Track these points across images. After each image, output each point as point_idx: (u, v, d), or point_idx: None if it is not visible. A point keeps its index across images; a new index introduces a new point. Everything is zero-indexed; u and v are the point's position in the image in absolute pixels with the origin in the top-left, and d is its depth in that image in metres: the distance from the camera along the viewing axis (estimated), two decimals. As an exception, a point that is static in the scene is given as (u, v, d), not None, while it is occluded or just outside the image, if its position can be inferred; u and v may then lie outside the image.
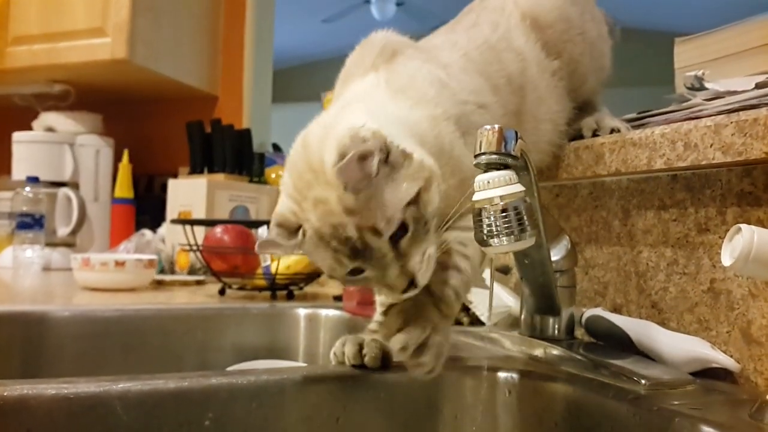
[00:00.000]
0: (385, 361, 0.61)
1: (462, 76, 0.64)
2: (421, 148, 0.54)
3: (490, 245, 0.52)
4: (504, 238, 0.51)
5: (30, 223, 1.59)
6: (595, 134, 0.74)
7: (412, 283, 0.51)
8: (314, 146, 0.54)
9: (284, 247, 0.54)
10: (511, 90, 0.68)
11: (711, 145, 0.58)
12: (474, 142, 0.54)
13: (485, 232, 0.52)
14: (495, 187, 0.51)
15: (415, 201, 0.51)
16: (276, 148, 2.16)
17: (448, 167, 0.57)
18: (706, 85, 0.67)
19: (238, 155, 1.73)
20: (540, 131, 0.73)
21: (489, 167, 0.53)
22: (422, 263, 0.51)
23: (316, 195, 0.51)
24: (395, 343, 0.53)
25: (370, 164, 0.49)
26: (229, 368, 0.89)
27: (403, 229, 0.50)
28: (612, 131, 0.73)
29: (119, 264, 1.18)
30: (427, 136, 0.57)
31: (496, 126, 0.53)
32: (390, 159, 0.50)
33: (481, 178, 0.52)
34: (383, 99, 0.59)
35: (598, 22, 0.80)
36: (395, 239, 0.51)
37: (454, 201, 0.56)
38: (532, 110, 0.71)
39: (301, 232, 0.53)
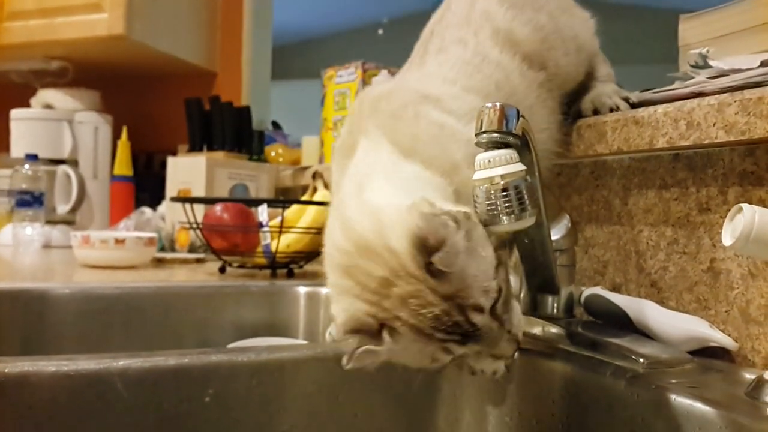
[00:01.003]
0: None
1: (453, 104, 0.61)
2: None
3: (491, 224, 0.52)
4: (504, 218, 0.51)
5: (29, 200, 1.59)
6: (595, 113, 0.73)
7: (518, 345, 0.51)
8: (373, 237, 0.48)
9: (372, 362, 0.48)
10: (502, 96, 0.64)
11: (714, 124, 0.58)
12: None
13: (486, 211, 0.52)
14: (496, 166, 0.51)
15: (498, 263, 0.49)
16: (276, 125, 2.15)
17: None
18: (711, 62, 0.66)
19: (237, 133, 1.72)
20: (536, 141, 0.71)
21: (490, 146, 0.52)
22: (517, 323, 0.50)
23: (402, 292, 0.46)
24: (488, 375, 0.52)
25: (456, 243, 0.46)
26: (230, 345, 0.90)
27: (497, 296, 0.48)
28: (611, 110, 0.72)
29: (119, 242, 1.18)
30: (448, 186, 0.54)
31: (498, 104, 0.52)
32: (459, 225, 0.47)
33: (482, 156, 0.52)
34: (397, 161, 0.55)
35: (564, 9, 0.76)
36: (494, 309, 0.48)
37: None
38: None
39: (386, 333, 0.47)
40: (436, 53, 0.68)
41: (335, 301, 0.51)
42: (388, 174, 0.54)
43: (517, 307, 0.51)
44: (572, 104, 0.76)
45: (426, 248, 0.45)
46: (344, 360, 0.47)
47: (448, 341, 0.47)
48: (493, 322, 0.48)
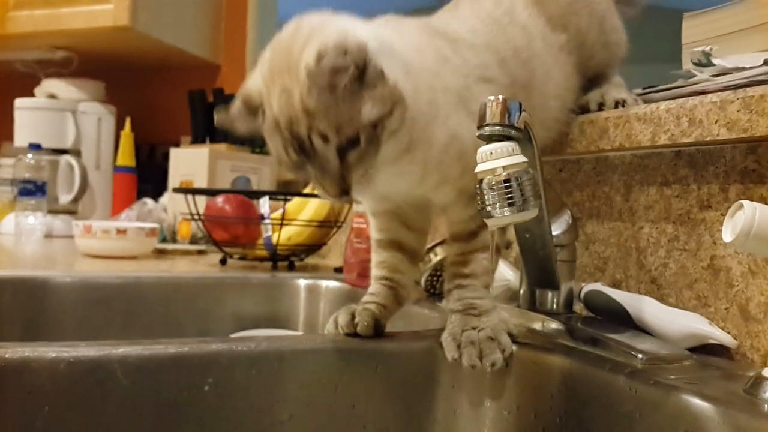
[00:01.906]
0: (377, 330, 0.62)
1: (467, 53, 0.63)
2: (407, 81, 0.54)
3: (492, 216, 0.52)
4: (506, 209, 0.51)
5: (32, 190, 1.60)
6: (600, 107, 0.73)
7: (346, 192, 0.54)
8: (303, 35, 0.54)
9: (243, 126, 0.56)
10: (519, 63, 0.67)
11: (716, 122, 0.58)
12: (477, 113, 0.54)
13: (487, 202, 0.52)
14: (498, 158, 0.51)
15: (374, 123, 0.52)
16: (278, 119, 2.15)
17: (443, 134, 0.58)
18: (714, 61, 0.66)
19: (240, 126, 1.72)
20: (548, 108, 0.72)
21: (492, 138, 0.53)
22: (361, 179, 0.54)
23: (284, 84, 0.52)
24: (465, 364, 0.58)
25: (341, 78, 0.50)
26: (230, 336, 0.90)
27: (354, 143, 0.52)
28: (617, 104, 0.72)
29: (121, 232, 1.18)
30: (422, 94, 0.56)
31: (500, 97, 0.52)
32: (365, 77, 0.51)
33: (484, 149, 0.52)
34: (388, 32, 0.58)
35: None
36: (344, 150, 0.52)
37: (449, 170, 0.59)
38: (540, 86, 0.70)
39: (260, 113, 0.54)
40: (472, 2, 0.71)
41: (254, 72, 0.57)
42: (371, 26, 0.57)
43: (370, 176, 0.54)
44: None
45: (322, 62, 0.49)
46: (218, 116, 0.56)
47: (289, 144, 0.52)
48: (336, 159, 0.52)
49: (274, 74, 0.54)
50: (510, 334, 0.61)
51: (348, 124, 0.51)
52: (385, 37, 0.56)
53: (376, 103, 0.51)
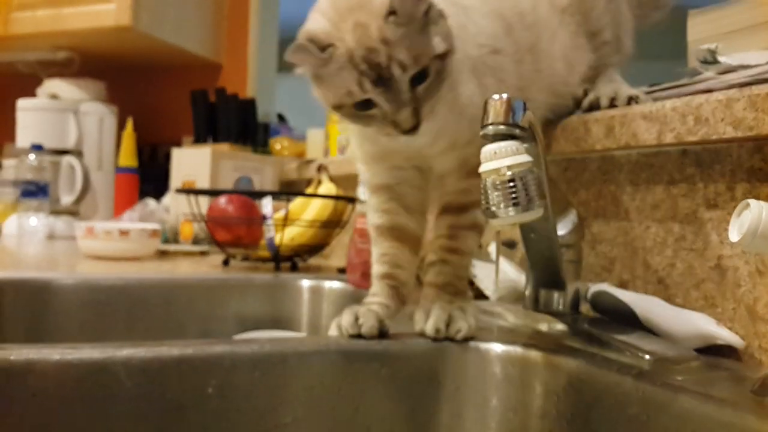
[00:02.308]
0: (381, 331, 0.62)
1: (481, 21, 0.65)
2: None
3: (497, 216, 0.52)
4: (511, 209, 0.51)
5: (34, 191, 1.60)
6: (612, 103, 0.72)
7: (416, 126, 0.56)
8: None
9: (313, 62, 0.56)
10: (524, 26, 0.69)
11: (722, 120, 0.58)
12: (488, 84, 0.58)
13: (492, 202, 0.51)
14: (502, 158, 0.51)
15: (442, 57, 0.55)
16: (281, 118, 2.15)
17: (464, 96, 0.61)
18: (719, 58, 0.66)
19: (242, 125, 1.72)
20: (555, 71, 0.73)
21: (496, 138, 0.52)
22: (428, 114, 0.57)
23: (358, 19, 0.54)
24: (429, 330, 0.61)
25: (420, 6, 0.53)
26: (233, 338, 0.90)
27: (423, 76, 0.55)
28: (630, 100, 0.71)
29: (123, 233, 1.18)
30: (457, 51, 0.59)
31: (504, 96, 0.52)
32: (430, 13, 0.54)
33: (488, 148, 0.52)
34: None
35: None
36: (414, 83, 0.55)
37: (460, 135, 0.61)
38: (546, 48, 0.71)
39: (329, 51, 0.55)
40: None
41: (311, 15, 0.59)
42: None
43: (435, 111, 0.57)
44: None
45: (400, 6, 0.53)
46: (288, 52, 0.56)
47: (366, 76, 0.54)
48: (408, 89, 0.55)
49: (343, 12, 0.55)
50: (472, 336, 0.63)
51: (423, 54, 0.54)
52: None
53: (442, 37, 0.55)
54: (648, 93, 0.74)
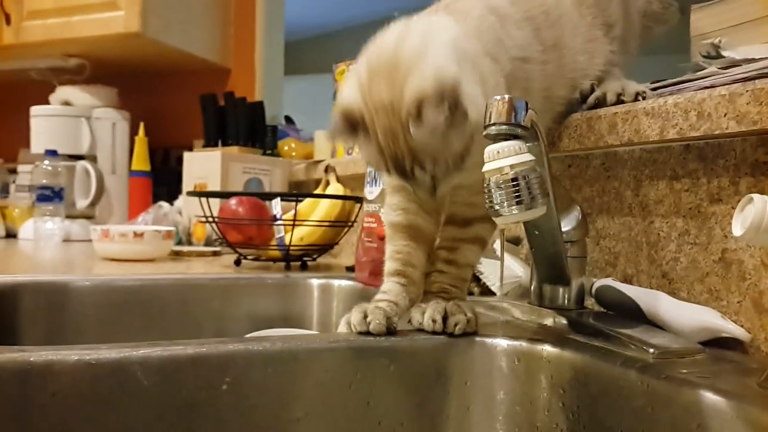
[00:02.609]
0: (389, 328, 0.63)
1: (515, 31, 0.66)
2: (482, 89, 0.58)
3: (501, 215, 0.53)
4: (514, 208, 0.52)
5: (50, 195, 1.62)
6: (619, 99, 0.72)
7: (433, 196, 0.61)
8: (403, 64, 0.56)
9: (344, 140, 0.61)
10: (550, 24, 0.70)
11: (725, 115, 0.58)
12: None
13: (495, 201, 0.52)
14: (504, 157, 0.52)
15: (461, 153, 0.57)
16: (288, 120, 2.16)
17: None
18: (723, 52, 0.66)
19: (251, 128, 1.74)
20: (577, 64, 0.74)
21: (498, 137, 0.53)
22: (447, 185, 0.60)
23: (389, 123, 0.56)
24: (426, 322, 0.63)
25: (439, 123, 0.54)
26: (246, 336, 0.91)
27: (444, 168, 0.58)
28: (637, 95, 0.71)
29: (138, 235, 1.20)
30: (488, 83, 0.60)
31: (506, 96, 0.53)
32: (455, 116, 0.54)
33: (491, 148, 0.53)
34: (459, 35, 0.61)
35: None
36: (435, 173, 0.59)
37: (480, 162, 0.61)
38: (569, 42, 0.73)
39: (361, 129, 0.58)
40: None
41: (347, 79, 0.61)
42: (453, 40, 0.59)
43: (455, 179, 0.60)
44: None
45: (423, 113, 0.53)
46: (328, 134, 0.61)
47: (391, 168, 0.59)
48: (427, 182, 0.59)
49: (376, 102, 0.57)
50: (474, 332, 0.64)
51: (441, 156, 0.57)
52: (463, 47, 0.59)
53: (461, 138, 0.56)
54: (653, 89, 0.75)
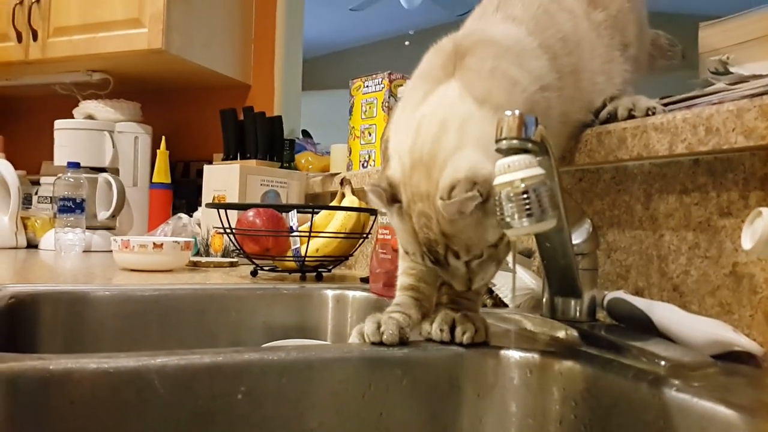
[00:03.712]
0: (402, 338, 0.63)
1: (531, 63, 0.67)
2: None
3: (512, 227, 0.53)
4: (525, 220, 0.52)
5: (71, 207, 1.64)
6: (630, 114, 0.73)
7: (469, 288, 0.62)
8: (440, 160, 0.59)
9: (383, 205, 0.62)
10: (567, 51, 0.71)
11: (733, 130, 0.58)
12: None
13: (506, 214, 0.53)
14: (515, 171, 0.53)
15: (495, 244, 0.59)
16: (306, 134, 2.18)
17: None
18: (731, 69, 0.67)
19: (269, 141, 1.76)
20: (596, 85, 0.75)
21: (509, 152, 0.54)
22: (483, 279, 0.62)
23: (423, 209, 0.59)
24: (434, 332, 0.64)
25: (468, 208, 0.56)
26: (261, 346, 0.92)
27: (479, 256, 0.59)
28: (648, 111, 0.72)
29: (157, 246, 1.22)
30: None
31: (517, 112, 0.54)
32: (487, 205, 0.57)
33: (502, 162, 0.53)
34: (480, 119, 0.61)
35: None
36: (470, 262, 0.60)
37: None
38: (587, 65, 0.74)
39: (396, 208, 0.61)
40: None
41: (390, 160, 0.64)
42: (480, 137, 0.60)
43: (490, 277, 0.62)
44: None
45: (456, 187, 0.56)
46: (370, 186, 0.62)
47: (425, 253, 0.60)
48: (462, 266, 0.60)
49: (414, 189, 0.59)
50: (485, 342, 0.65)
51: (476, 245, 0.59)
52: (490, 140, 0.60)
53: (494, 229, 0.58)
54: (663, 105, 0.75)
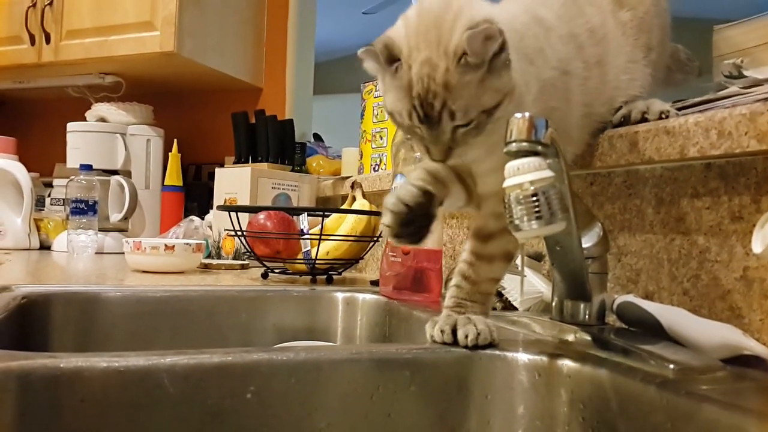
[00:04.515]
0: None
1: (557, 44, 0.67)
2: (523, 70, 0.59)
3: (521, 230, 0.53)
4: (534, 223, 0.53)
5: (83, 209, 1.66)
6: (644, 117, 0.73)
7: (445, 161, 0.60)
8: (453, 11, 0.57)
9: (379, 68, 0.60)
10: (594, 42, 0.71)
11: (746, 133, 0.58)
12: (554, 107, 0.60)
13: (516, 216, 0.53)
14: (525, 173, 0.53)
15: (490, 112, 0.57)
16: (317, 137, 2.19)
17: None
18: (745, 72, 0.67)
19: (280, 145, 1.76)
20: (620, 83, 0.75)
21: (519, 154, 0.54)
22: (461, 152, 0.59)
23: (430, 56, 0.56)
24: (436, 334, 0.64)
25: (490, 48, 0.54)
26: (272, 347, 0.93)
27: (468, 123, 0.57)
28: (661, 114, 0.72)
29: (169, 248, 1.22)
30: (528, 83, 0.60)
31: (527, 114, 0.54)
32: (497, 59, 0.55)
33: (512, 164, 0.54)
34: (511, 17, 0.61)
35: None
36: (458, 127, 0.58)
37: None
38: (613, 60, 0.74)
39: (395, 66, 0.58)
40: None
41: (399, 22, 0.61)
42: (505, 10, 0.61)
43: (470, 151, 0.60)
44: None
45: (476, 35, 0.54)
46: (363, 49, 0.59)
47: (416, 111, 0.57)
48: (449, 131, 0.57)
49: (420, 39, 0.57)
50: (492, 344, 0.64)
51: (474, 107, 0.56)
52: (516, 24, 0.60)
53: (494, 93, 0.56)
54: (677, 109, 0.75)
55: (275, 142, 1.75)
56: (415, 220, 0.65)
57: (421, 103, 0.57)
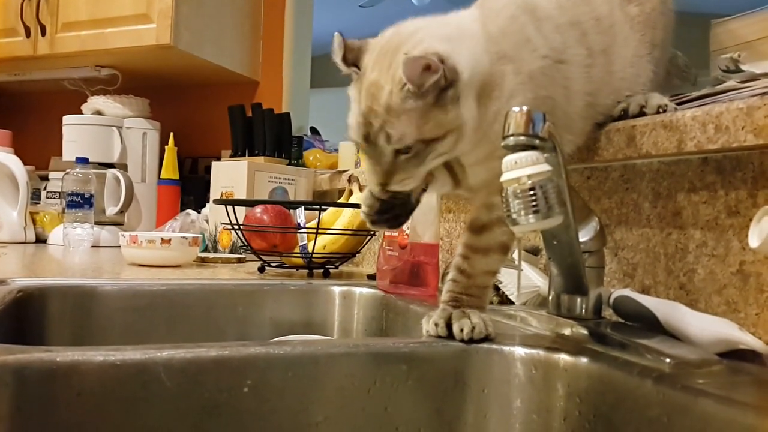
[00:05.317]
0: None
1: (550, 34, 0.66)
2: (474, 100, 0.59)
3: (518, 224, 0.53)
4: (531, 217, 0.53)
5: (79, 202, 1.66)
6: (641, 111, 0.73)
7: (384, 186, 0.60)
8: (415, 39, 0.59)
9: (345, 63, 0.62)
10: (600, 30, 0.71)
11: (743, 128, 0.58)
12: (548, 95, 0.60)
13: (513, 210, 0.53)
14: (522, 167, 0.53)
15: (429, 142, 0.57)
16: (314, 131, 2.19)
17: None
18: (742, 67, 0.67)
19: (277, 138, 1.76)
20: (626, 75, 0.74)
21: (517, 148, 0.54)
22: (401, 182, 0.60)
23: (379, 78, 0.58)
24: (430, 328, 0.64)
25: (428, 79, 0.54)
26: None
27: (407, 150, 0.58)
28: (659, 108, 0.72)
29: (165, 241, 1.22)
30: (492, 85, 0.61)
31: (525, 108, 0.54)
32: (444, 95, 0.56)
33: (509, 158, 0.54)
34: (478, 38, 0.62)
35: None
36: (398, 153, 0.58)
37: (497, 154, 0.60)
38: (619, 50, 0.73)
39: (352, 71, 0.61)
40: None
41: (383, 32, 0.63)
42: (464, 40, 0.60)
43: (408, 182, 0.60)
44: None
45: (417, 64, 0.54)
46: (336, 44, 0.61)
47: (359, 128, 0.59)
48: (389, 154, 0.58)
49: (378, 59, 0.59)
50: (488, 337, 0.64)
51: (410, 135, 0.57)
52: (474, 54, 0.60)
53: (436, 126, 0.57)
54: (675, 104, 0.75)
55: (272, 136, 1.74)
56: (393, 208, 0.66)
57: (364, 121, 0.58)
